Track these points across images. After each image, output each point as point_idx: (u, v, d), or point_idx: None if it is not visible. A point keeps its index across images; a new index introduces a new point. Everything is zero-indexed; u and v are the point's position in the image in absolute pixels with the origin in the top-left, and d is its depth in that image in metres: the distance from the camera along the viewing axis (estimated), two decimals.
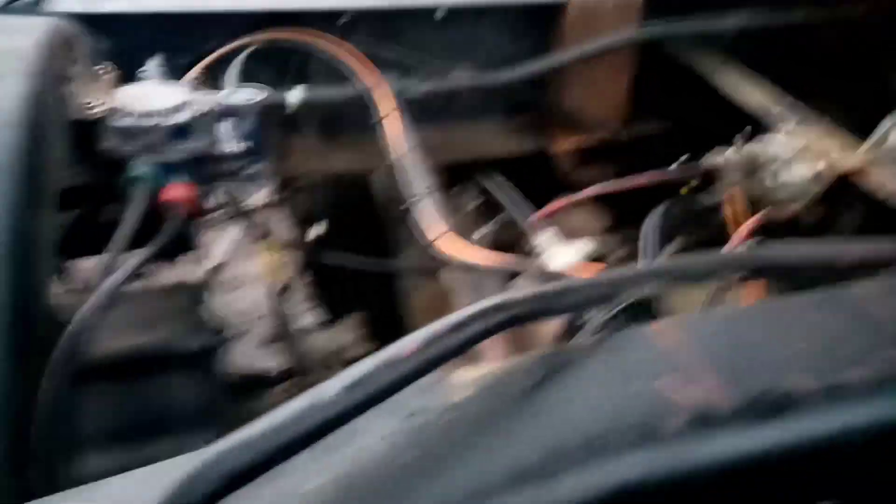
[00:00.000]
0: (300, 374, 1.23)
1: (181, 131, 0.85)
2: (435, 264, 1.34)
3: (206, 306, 0.89)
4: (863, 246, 0.73)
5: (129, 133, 0.82)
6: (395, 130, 1.18)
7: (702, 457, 0.49)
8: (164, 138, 0.83)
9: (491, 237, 1.43)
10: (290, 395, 1.16)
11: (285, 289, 1.30)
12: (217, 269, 3.04)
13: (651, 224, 1.00)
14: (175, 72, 1.21)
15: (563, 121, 1.54)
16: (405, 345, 0.46)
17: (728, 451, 0.50)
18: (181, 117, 0.84)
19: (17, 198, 0.57)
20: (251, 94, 0.91)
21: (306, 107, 1.26)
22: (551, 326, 1.00)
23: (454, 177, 1.46)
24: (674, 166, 1.28)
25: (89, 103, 0.79)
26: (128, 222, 0.74)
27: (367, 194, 1.64)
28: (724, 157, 1.19)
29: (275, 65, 1.30)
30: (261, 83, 1.29)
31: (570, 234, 1.50)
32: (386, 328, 1.55)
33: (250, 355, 2.65)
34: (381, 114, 1.20)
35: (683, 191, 1.29)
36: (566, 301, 0.54)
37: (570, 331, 0.96)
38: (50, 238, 0.65)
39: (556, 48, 1.43)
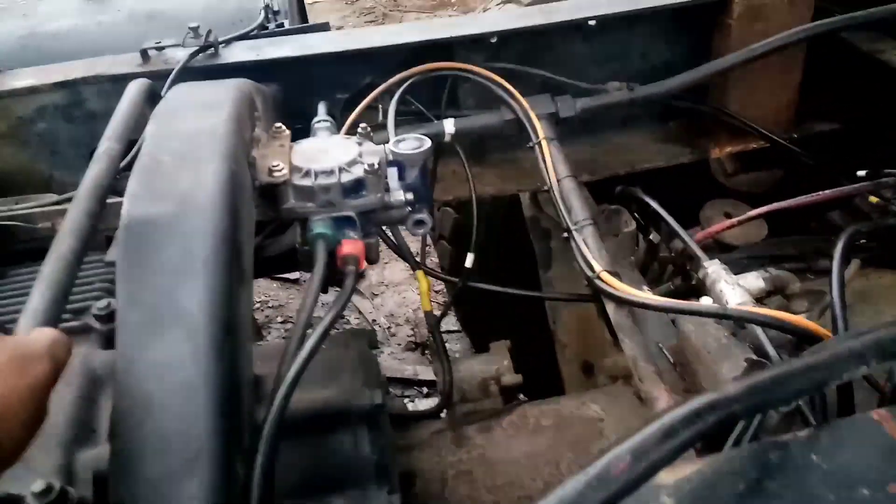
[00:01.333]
0: (457, 402, 1.25)
1: (355, 187, 0.87)
2: (583, 292, 1.32)
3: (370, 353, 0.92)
4: None
5: (309, 192, 0.86)
6: (551, 156, 1.16)
7: None
8: (340, 194, 0.87)
9: (648, 255, 1.38)
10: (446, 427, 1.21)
11: (440, 315, 1.33)
12: (362, 275, 3.15)
13: (838, 258, 0.92)
14: (335, 107, 1.28)
15: (723, 125, 1.45)
16: (613, 461, 0.44)
17: None
18: (356, 173, 0.87)
19: (226, 282, 0.62)
20: (417, 144, 0.92)
21: (459, 135, 1.27)
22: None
23: (608, 189, 1.42)
24: (862, 176, 1.16)
25: (275, 166, 0.84)
26: (315, 280, 0.77)
27: (515, 215, 1.64)
28: None
29: (427, 94, 1.33)
30: (415, 113, 1.33)
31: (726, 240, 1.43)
32: (534, 353, 1.56)
33: (398, 359, 2.74)
34: (537, 139, 1.19)
35: (875, 201, 1.18)
36: (785, 391, 0.50)
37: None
38: (251, 309, 0.69)
39: (719, 48, 1.34)
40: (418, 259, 1.34)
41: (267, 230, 1.23)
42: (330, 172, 0.87)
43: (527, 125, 1.21)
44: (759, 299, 1.05)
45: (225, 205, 0.66)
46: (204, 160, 0.69)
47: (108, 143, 0.77)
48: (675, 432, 0.47)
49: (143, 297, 0.59)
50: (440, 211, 1.83)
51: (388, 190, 0.91)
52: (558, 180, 1.15)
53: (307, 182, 0.86)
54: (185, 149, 0.71)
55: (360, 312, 2.88)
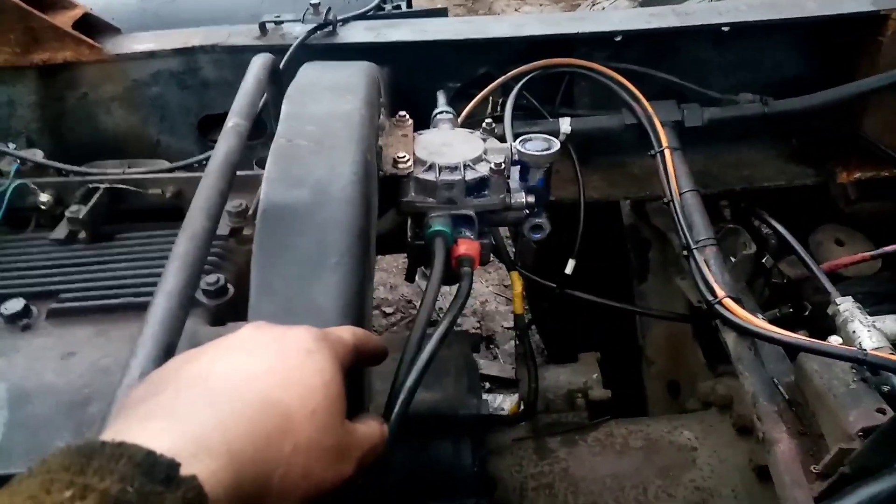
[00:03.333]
0: (541, 411, 1.21)
1: (479, 185, 0.83)
2: (680, 308, 1.25)
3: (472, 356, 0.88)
4: None
5: (431, 187, 0.82)
6: (672, 167, 1.10)
7: None
8: (463, 192, 0.83)
9: (757, 278, 1.30)
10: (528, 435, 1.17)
11: (529, 321, 1.28)
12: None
13: None
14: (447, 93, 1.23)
15: (855, 149, 1.35)
16: None
17: None
18: (481, 171, 0.83)
19: (359, 279, 0.59)
20: (545, 145, 0.87)
21: (573, 135, 1.22)
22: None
23: (715, 204, 1.34)
24: None
25: (401, 157, 0.81)
26: (434, 280, 0.74)
27: (612, 222, 1.57)
28: None
29: (541, 89, 1.27)
30: (527, 108, 1.28)
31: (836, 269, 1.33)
32: (617, 367, 1.50)
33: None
34: (660, 147, 1.12)
35: None
36: None
37: None
38: (371, 304, 0.66)
39: (865, 67, 1.24)
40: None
41: None
42: (454, 168, 0.83)
43: (650, 132, 1.14)
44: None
45: (360, 196, 0.63)
46: (339, 147, 0.66)
47: (235, 119, 0.74)
48: None
49: (277, 286, 0.56)
50: None
51: (509, 190, 0.87)
52: (680, 194, 1.08)
53: (430, 176, 0.82)
54: (321, 133, 0.68)
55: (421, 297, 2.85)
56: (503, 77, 1.18)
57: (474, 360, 0.87)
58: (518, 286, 1.25)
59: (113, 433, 0.38)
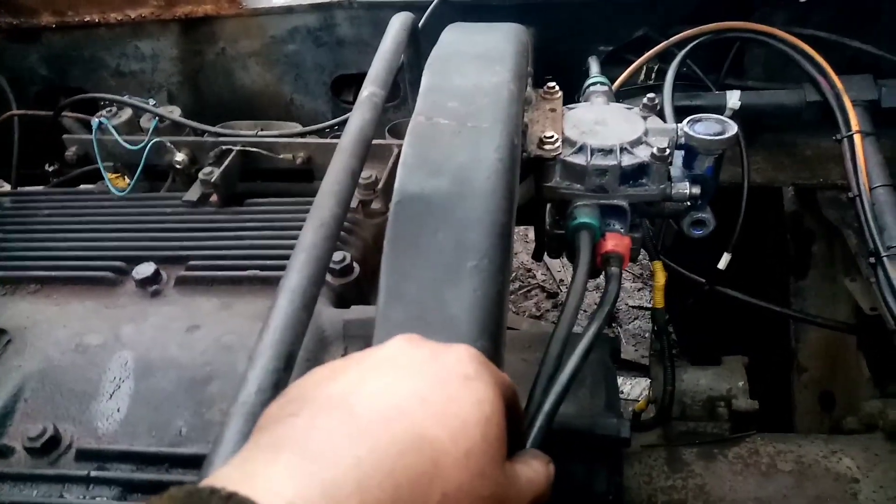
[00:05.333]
0: (676, 418, 1.10)
1: (636, 173, 0.73)
2: (843, 313, 1.08)
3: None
4: None
5: (580, 172, 0.72)
6: (864, 155, 0.93)
7: None
8: (616, 180, 0.72)
9: None
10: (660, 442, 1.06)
11: (668, 316, 1.16)
12: None
13: None
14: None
15: None
16: None
17: None
18: (640, 157, 0.72)
19: (499, 286, 0.51)
20: (719, 128, 0.74)
21: (742, 111, 1.07)
22: None
23: None
24: None
25: (548, 138, 0.71)
26: (579, 280, 0.65)
27: (771, 208, 1.40)
28: None
29: (705, 55, 1.12)
30: (685, 77, 1.13)
31: None
32: (772, 373, 1.34)
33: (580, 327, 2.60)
34: (848, 131, 0.95)
35: None
36: None
37: None
38: (506, 304, 0.58)
39: None
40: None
41: None
42: (609, 152, 0.72)
43: (837, 112, 0.97)
44: None
45: (504, 189, 0.55)
46: (485, 131, 0.58)
47: (371, 88, 0.68)
48: None
49: (409, 291, 0.50)
50: None
51: (671, 179, 0.76)
52: (870, 188, 0.91)
53: (580, 160, 0.72)
54: (465, 111, 0.61)
55: (547, 269, 2.76)
56: (665, 42, 1.04)
57: (614, 370, 0.77)
58: (661, 278, 1.13)
59: (235, 470, 0.33)
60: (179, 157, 0.95)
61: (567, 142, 0.74)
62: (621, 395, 1.62)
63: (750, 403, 1.09)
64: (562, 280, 2.69)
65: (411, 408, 0.36)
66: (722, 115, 1.05)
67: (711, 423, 1.09)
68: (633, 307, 2.51)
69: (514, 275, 2.69)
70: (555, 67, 1.07)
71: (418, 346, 0.41)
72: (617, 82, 1.02)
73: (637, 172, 0.73)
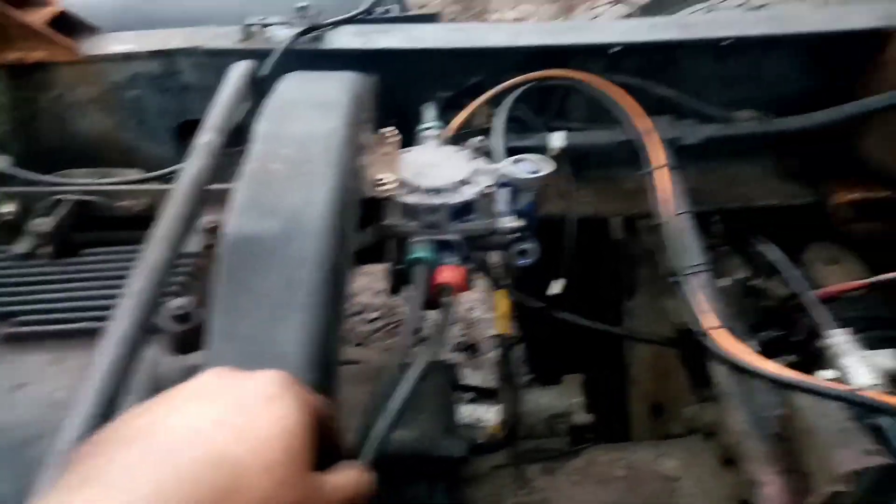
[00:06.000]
0: (522, 438, 1.18)
1: (464, 209, 0.80)
2: (668, 328, 1.21)
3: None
4: None
5: (412, 210, 0.78)
6: (666, 187, 1.06)
7: None
8: (447, 216, 0.79)
9: (749, 300, 1.27)
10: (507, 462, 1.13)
11: (512, 341, 1.25)
12: None
13: None
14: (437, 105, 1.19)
15: (852, 169, 1.32)
16: None
17: None
18: (466, 195, 0.79)
19: (329, 321, 0.55)
20: (536, 167, 0.84)
21: (566, 150, 1.18)
22: None
23: (706, 222, 1.31)
24: None
25: (381, 180, 0.77)
26: (414, 311, 0.71)
27: (600, 237, 1.54)
28: None
29: (534, 100, 1.24)
30: (519, 120, 1.24)
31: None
32: (603, 386, 1.46)
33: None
34: (652, 166, 1.09)
35: None
36: None
37: None
38: (339, 338, 0.62)
39: (868, 86, 1.21)
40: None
41: None
42: (439, 192, 0.79)
43: (644, 149, 1.11)
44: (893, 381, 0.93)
45: (335, 229, 0.59)
46: (318, 174, 0.62)
47: (208, 136, 0.70)
48: None
49: (239, 329, 0.52)
50: None
51: (497, 214, 0.83)
52: (673, 215, 1.04)
53: (413, 200, 0.79)
54: (299, 157, 0.64)
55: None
56: (494, 89, 1.14)
57: (454, 396, 0.83)
58: (503, 306, 1.22)
59: None
60: (7, 208, 0.91)
61: (403, 184, 0.80)
62: (481, 423, 1.69)
63: (586, 417, 1.19)
64: (424, 315, 2.75)
65: (210, 431, 0.39)
66: (546, 154, 1.18)
67: (553, 439, 1.17)
68: (492, 336, 2.61)
69: (379, 312, 2.73)
70: (399, 112, 1.14)
71: (225, 376, 0.44)
72: (453, 125, 1.10)
73: (466, 209, 0.80)
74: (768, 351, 1.19)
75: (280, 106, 0.73)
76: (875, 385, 0.86)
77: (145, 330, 0.50)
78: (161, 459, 0.37)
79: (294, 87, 0.78)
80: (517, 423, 1.18)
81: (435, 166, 0.83)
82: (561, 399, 1.22)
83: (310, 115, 0.71)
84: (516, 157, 0.86)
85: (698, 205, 1.33)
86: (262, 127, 0.69)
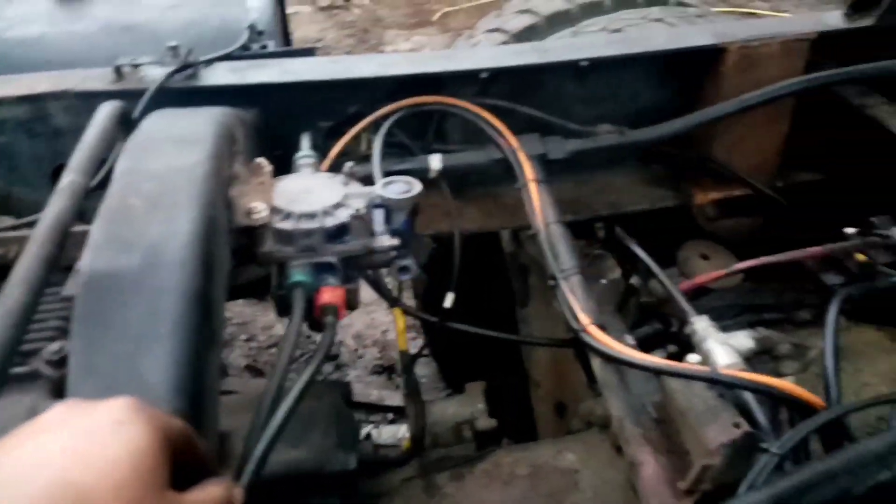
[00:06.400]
0: (429, 447, 1.21)
1: (339, 232, 0.83)
2: (561, 331, 1.28)
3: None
4: None
5: (289, 236, 0.81)
6: (538, 199, 1.13)
7: None
8: (322, 240, 0.82)
9: (628, 298, 1.36)
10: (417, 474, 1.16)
11: (413, 356, 1.28)
12: None
13: (831, 326, 0.89)
14: (316, 135, 1.23)
15: (707, 171, 1.44)
16: None
17: None
18: (340, 218, 0.82)
19: (195, 348, 0.56)
20: (406, 188, 0.88)
21: (445, 171, 1.23)
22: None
23: (588, 229, 1.40)
24: (851, 233, 1.15)
25: (253, 209, 0.79)
26: (291, 334, 0.72)
27: (493, 251, 1.60)
28: None
29: (413, 125, 1.29)
30: (399, 145, 1.28)
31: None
32: (508, 392, 1.52)
33: (363, 382, 2.67)
34: (524, 181, 1.15)
35: (862, 259, 1.17)
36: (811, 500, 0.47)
37: None
38: (218, 369, 0.64)
39: (710, 96, 1.33)
40: (396, 293, 1.30)
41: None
42: (312, 216, 0.82)
43: (515, 166, 1.17)
44: (748, 359, 1.02)
45: (199, 258, 0.61)
46: (178, 206, 0.64)
47: (71, 177, 0.70)
48: None
49: (100, 364, 0.53)
50: (416, 239, 1.79)
51: (373, 234, 0.87)
52: (546, 225, 1.11)
53: (288, 226, 0.81)
54: (159, 191, 0.66)
55: None
56: (370, 117, 1.18)
57: (347, 411, 0.85)
58: (400, 323, 1.25)
59: None
60: None
61: (276, 211, 0.83)
62: (401, 440, 1.70)
63: (489, 422, 1.24)
64: (341, 341, 2.76)
65: (56, 459, 0.40)
66: (427, 176, 1.23)
67: (460, 445, 1.21)
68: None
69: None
70: (282, 143, 1.16)
71: (73, 406, 0.45)
72: (331, 154, 1.14)
73: (340, 231, 0.83)
74: (651, 344, 1.28)
75: (141, 142, 0.74)
76: (733, 364, 0.94)
77: (3, 375, 0.50)
78: (9, 492, 0.38)
79: (158, 124, 0.79)
80: (423, 434, 1.21)
81: (309, 192, 0.86)
82: (464, 407, 1.26)
83: (172, 150, 0.72)
84: (388, 178, 0.89)
85: (575, 214, 1.43)
86: (122, 164, 0.69)
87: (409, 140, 1.28)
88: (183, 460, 0.46)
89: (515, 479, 1.14)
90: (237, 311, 2.87)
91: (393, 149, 1.26)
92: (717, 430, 0.91)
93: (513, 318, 1.57)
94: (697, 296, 1.37)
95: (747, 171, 1.41)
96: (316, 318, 0.80)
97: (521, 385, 1.57)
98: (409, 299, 1.90)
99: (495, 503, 1.11)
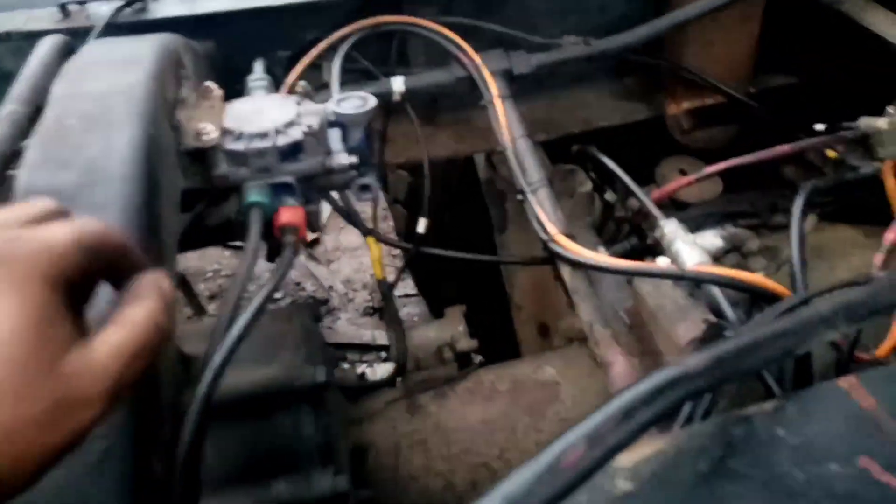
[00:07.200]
0: (412, 370, 1.22)
1: (293, 150, 0.81)
2: (539, 254, 1.28)
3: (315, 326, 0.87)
4: None
5: (242, 157, 0.79)
6: (504, 115, 1.11)
7: None
8: (277, 159, 0.80)
9: (605, 214, 1.35)
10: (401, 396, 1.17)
11: (391, 283, 1.28)
12: (315, 241, 3.10)
13: (797, 215, 0.89)
14: (276, 66, 1.20)
15: (679, 80, 1.41)
16: (565, 451, 0.41)
17: None
18: (293, 136, 0.81)
19: (146, 244, 0.56)
20: (360, 103, 0.86)
21: (409, 94, 1.21)
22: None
23: (565, 148, 1.38)
24: (820, 129, 1.13)
25: (202, 130, 0.77)
26: (248, 253, 0.72)
27: (470, 177, 1.59)
28: (884, 119, 1.04)
29: (375, 51, 1.26)
30: (362, 71, 1.25)
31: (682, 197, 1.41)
32: (491, 317, 1.53)
33: (355, 325, 2.70)
34: (489, 97, 1.13)
35: (833, 155, 1.16)
36: (752, 360, 0.47)
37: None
38: (174, 288, 0.63)
39: (678, 1, 1.29)
40: (371, 224, 1.29)
41: (207, 198, 1.16)
42: (264, 135, 0.80)
43: (480, 83, 1.15)
44: (717, 258, 1.03)
45: (139, 174, 0.60)
46: (117, 123, 0.62)
47: (11, 106, 0.69)
48: (634, 412, 0.44)
49: None
50: (394, 174, 1.77)
51: (330, 153, 0.86)
52: (513, 140, 1.10)
53: (239, 146, 0.79)
54: (97, 111, 0.64)
55: (315, 279, 2.82)
56: (326, 41, 1.15)
57: (316, 330, 0.85)
58: (375, 252, 1.25)
59: None
60: None
61: (227, 132, 0.81)
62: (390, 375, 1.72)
63: (470, 343, 1.25)
64: (331, 287, 2.77)
65: None
66: (391, 99, 1.20)
67: (442, 367, 1.22)
68: (400, 297, 2.65)
69: (283, 291, 2.71)
70: (240, 77, 1.13)
71: None
72: (287, 80, 1.11)
73: (294, 150, 0.82)
74: (628, 258, 1.28)
75: (79, 66, 0.72)
76: (702, 262, 0.95)
77: None
78: None
79: (96, 49, 0.77)
80: (405, 359, 1.22)
81: (261, 113, 0.84)
82: (445, 330, 1.27)
83: (111, 72, 0.70)
84: (341, 95, 0.88)
85: (547, 133, 1.42)
86: (58, 87, 0.68)
87: (371, 65, 1.25)
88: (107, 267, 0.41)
89: (497, 395, 1.16)
90: (225, 262, 2.87)
91: (355, 75, 1.24)
92: (686, 328, 0.91)
93: (492, 244, 1.56)
94: (679, 209, 1.37)
95: (720, 78, 1.39)
96: (277, 239, 0.80)
97: (504, 310, 1.58)
98: (392, 235, 1.91)
99: (477, 418, 1.13)
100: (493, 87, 1.14)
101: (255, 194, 0.79)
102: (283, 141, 0.80)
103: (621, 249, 1.28)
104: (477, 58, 1.17)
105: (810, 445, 0.46)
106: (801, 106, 1.44)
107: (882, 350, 0.85)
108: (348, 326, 2.58)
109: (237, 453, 0.73)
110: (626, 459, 0.47)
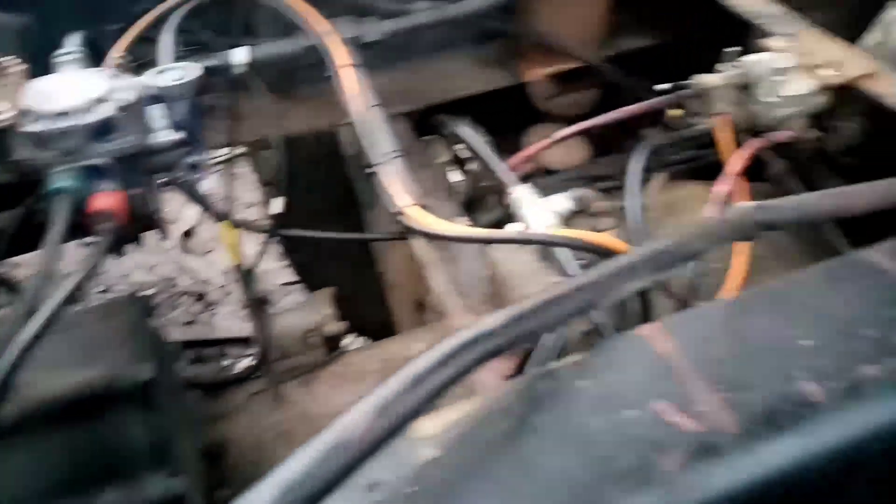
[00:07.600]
0: (277, 359, 1.17)
1: (104, 129, 0.74)
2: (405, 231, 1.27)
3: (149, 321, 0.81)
4: (875, 187, 0.64)
5: (42, 138, 0.72)
6: (352, 85, 1.07)
7: (708, 492, 0.43)
8: (85, 140, 0.73)
9: (465, 188, 1.34)
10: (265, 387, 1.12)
11: (249, 269, 1.22)
12: (189, 232, 2.93)
13: (631, 170, 0.91)
14: (106, 42, 1.10)
15: (535, 46, 1.42)
16: (357, 423, 0.39)
17: (735, 480, 0.44)
18: (102, 112, 0.74)
19: None
20: (180, 74, 0.80)
21: (255, 66, 1.15)
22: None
23: (424, 121, 1.36)
24: (664, 89, 1.16)
25: None
26: (49, 246, 0.65)
27: (336, 153, 1.54)
28: (715, 76, 1.08)
29: (217, 21, 1.18)
30: (203, 44, 1.18)
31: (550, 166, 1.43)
32: (361, 298, 1.50)
33: (238, 318, 2.59)
34: (336, 66, 1.09)
35: (675, 114, 1.20)
36: (550, 317, 0.47)
37: None
38: None
39: None
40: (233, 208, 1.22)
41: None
42: (68, 114, 0.73)
43: (323, 51, 1.10)
44: (568, 220, 1.04)
45: None
46: None
47: None
48: (426, 378, 0.42)
49: None
50: (257, 154, 1.70)
51: (148, 130, 0.79)
52: (362, 111, 1.06)
53: (39, 127, 0.72)
54: None
55: (190, 272, 2.68)
56: (154, 11, 1.07)
57: (145, 325, 0.79)
58: (229, 237, 1.18)
59: None
60: None
61: (25, 112, 0.73)
62: None
63: (338, 326, 1.21)
64: (206, 280, 2.64)
65: None
66: (234, 72, 1.14)
67: (308, 353, 1.18)
68: (283, 284, 2.57)
69: (157, 288, 2.57)
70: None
71: None
72: (108, 56, 1.03)
73: (105, 128, 0.75)
74: (495, 227, 1.28)
75: None
76: (550, 225, 0.95)
77: None
78: None
79: None
80: (269, 347, 1.17)
81: (67, 89, 0.76)
82: (310, 315, 1.23)
83: None
84: (160, 67, 0.81)
85: (408, 104, 1.39)
86: None
87: (213, 38, 1.18)
88: None
89: (366, 376, 1.14)
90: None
91: (195, 47, 1.16)
92: (537, 290, 0.92)
93: (358, 222, 1.53)
94: (548, 175, 1.38)
95: (574, 41, 1.40)
96: (87, 227, 0.73)
97: (378, 290, 1.56)
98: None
99: (345, 401, 1.09)
100: (342, 55, 1.10)
101: (60, 180, 0.72)
102: (90, 119, 0.74)
103: (487, 220, 1.28)
104: (326, 25, 1.12)
105: (609, 394, 0.46)
106: (656, 68, 1.48)
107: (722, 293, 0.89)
108: (230, 320, 2.48)
109: (58, 465, 0.67)
110: (430, 427, 0.46)
